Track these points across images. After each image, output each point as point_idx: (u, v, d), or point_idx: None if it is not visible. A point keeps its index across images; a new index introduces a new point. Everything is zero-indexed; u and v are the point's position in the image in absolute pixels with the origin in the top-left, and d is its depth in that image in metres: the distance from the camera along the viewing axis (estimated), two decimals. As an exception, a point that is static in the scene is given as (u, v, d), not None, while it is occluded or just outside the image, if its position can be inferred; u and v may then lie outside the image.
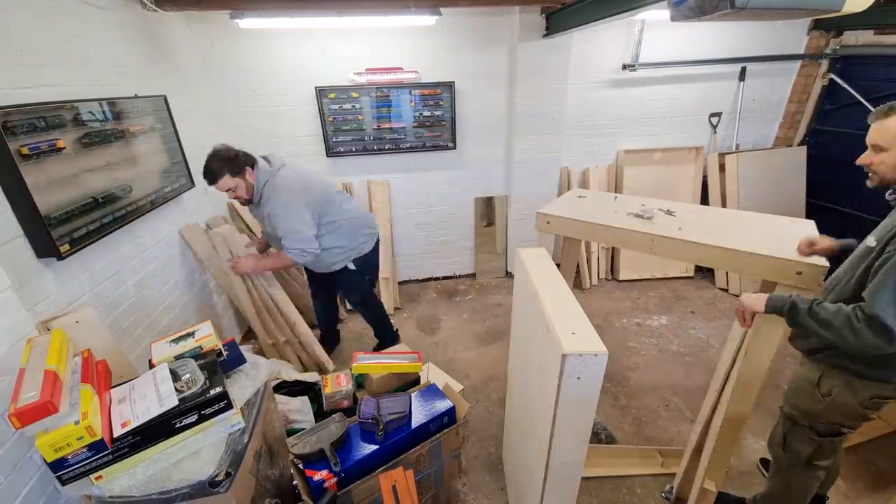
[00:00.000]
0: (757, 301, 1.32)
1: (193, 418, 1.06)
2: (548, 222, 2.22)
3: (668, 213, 2.16)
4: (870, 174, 1.28)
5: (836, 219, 3.51)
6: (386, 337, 2.84)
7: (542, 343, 1.25)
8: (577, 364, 1.06)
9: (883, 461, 2.03)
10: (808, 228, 1.89)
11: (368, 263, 2.55)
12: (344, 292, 2.84)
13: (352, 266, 2.43)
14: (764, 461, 2.03)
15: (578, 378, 1.09)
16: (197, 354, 1.24)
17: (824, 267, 1.49)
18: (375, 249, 2.57)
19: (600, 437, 2.18)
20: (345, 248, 2.37)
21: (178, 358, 1.22)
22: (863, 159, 1.27)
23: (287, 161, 2.34)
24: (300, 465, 1.48)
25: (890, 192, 1.26)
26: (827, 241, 1.50)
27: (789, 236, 1.75)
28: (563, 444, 1.23)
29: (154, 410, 1.03)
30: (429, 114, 3.23)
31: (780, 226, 1.97)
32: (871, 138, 1.22)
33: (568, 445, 1.24)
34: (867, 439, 2.11)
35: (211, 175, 2.08)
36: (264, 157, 2.24)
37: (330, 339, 3.03)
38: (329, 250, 2.32)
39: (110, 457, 0.98)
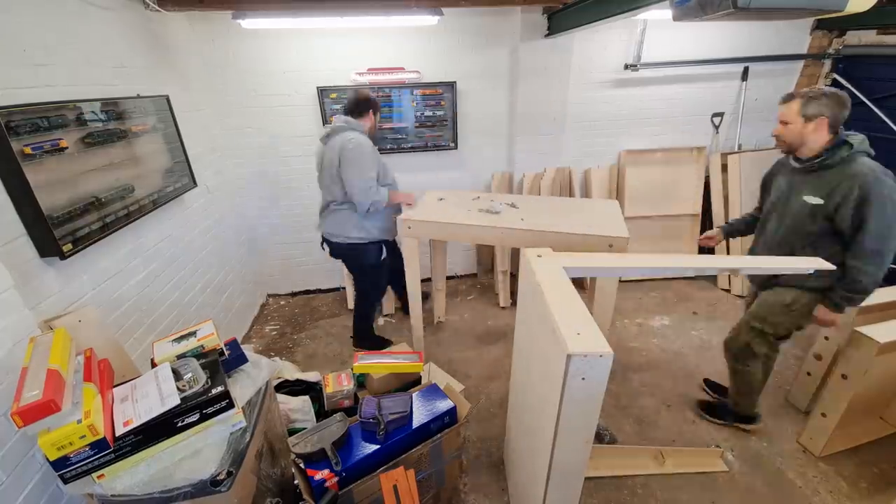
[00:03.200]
0: (835, 318, 1.80)
1: (195, 417, 1.06)
2: (409, 227, 2.33)
3: (512, 205, 2.39)
4: (778, 142, 1.77)
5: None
6: (360, 337, 2.96)
7: (547, 343, 1.25)
8: (582, 365, 1.06)
9: (885, 463, 2.02)
10: (613, 207, 2.37)
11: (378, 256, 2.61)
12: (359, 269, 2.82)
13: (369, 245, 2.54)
14: (707, 381, 2.52)
15: (583, 379, 1.08)
16: (199, 354, 1.24)
17: (626, 237, 1.96)
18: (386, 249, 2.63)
19: (602, 437, 2.18)
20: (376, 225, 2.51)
21: (179, 357, 1.23)
22: (775, 130, 1.75)
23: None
24: (301, 465, 1.48)
25: (811, 158, 1.70)
26: (716, 232, 2.17)
27: (602, 215, 2.26)
28: (566, 444, 1.23)
29: (156, 409, 1.03)
30: (430, 114, 3.23)
31: (595, 208, 2.45)
32: (780, 116, 1.71)
33: (571, 446, 1.23)
34: (869, 441, 2.10)
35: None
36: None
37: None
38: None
39: (112, 455, 0.99)
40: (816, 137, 1.65)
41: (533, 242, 2.09)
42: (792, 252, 1.79)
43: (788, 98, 1.68)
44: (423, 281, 2.63)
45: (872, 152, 1.64)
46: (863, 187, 1.56)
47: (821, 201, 1.65)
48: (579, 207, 2.51)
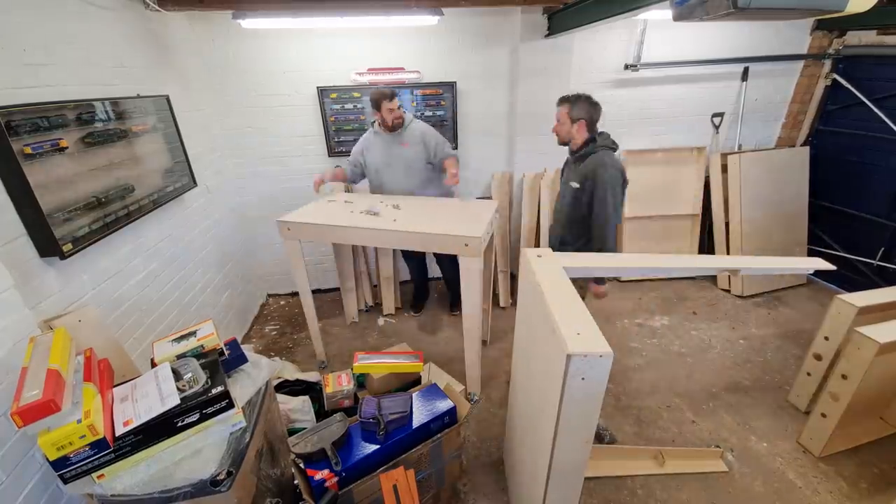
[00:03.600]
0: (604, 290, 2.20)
1: (195, 417, 1.06)
2: (288, 229, 2.38)
3: (396, 207, 2.52)
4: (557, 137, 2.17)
5: (840, 219, 3.50)
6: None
7: (547, 343, 1.25)
8: (581, 365, 1.06)
9: (885, 463, 2.02)
10: (487, 208, 2.47)
11: None
12: None
13: None
14: None
15: (583, 379, 1.08)
16: (199, 353, 1.24)
17: (478, 237, 2.06)
18: None
19: (602, 437, 2.18)
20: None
21: (179, 357, 1.22)
22: (554, 127, 2.17)
23: None
24: (301, 465, 1.48)
25: (575, 152, 2.15)
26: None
27: (469, 216, 2.34)
28: (566, 444, 1.23)
29: (156, 409, 1.03)
30: (430, 114, 3.23)
31: (469, 209, 2.49)
32: (557, 115, 2.13)
33: (571, 446, 1.23)
34: (870, 441, 2.10)
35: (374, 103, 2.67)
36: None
37: (421, 295, 3.52)
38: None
39: (112, 455, 0.99)
40: (579, 135, 2.08)
41: (398, 242, 2.29)
42: (572, 229, 2.17)
43: (562, 101, 2.10)
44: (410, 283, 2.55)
45: (615, 146, 2.08)
46: (595, 173, 1.99)
47: (578, 185, 2.06)
48: (454, 208, 2.57)
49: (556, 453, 1.24)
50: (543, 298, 1.29)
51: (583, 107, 2.05)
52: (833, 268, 1.62)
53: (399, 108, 2.68)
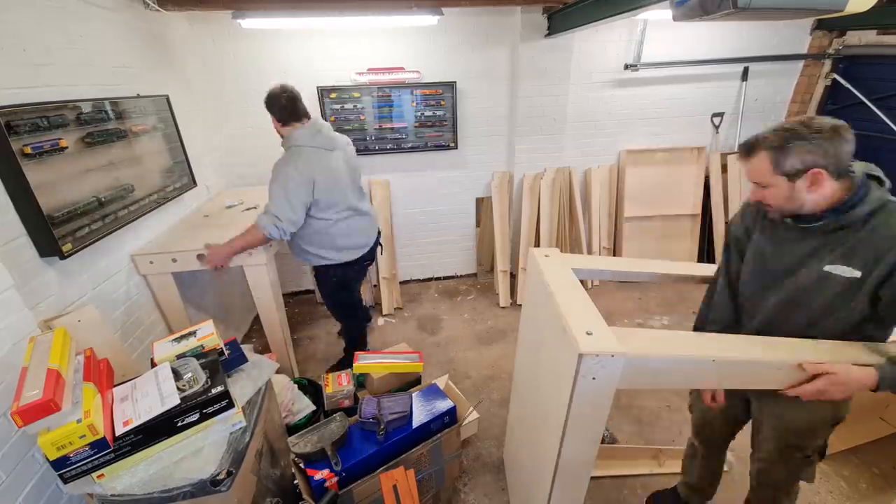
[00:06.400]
0: (858, 378, 1.02)
1: (195, 417, 1.06)
2: (151, 262, 2.02)
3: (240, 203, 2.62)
4: (769, 210, 1.20)
5: (839, 219, 3.50)
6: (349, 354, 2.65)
7: (556, 343, 1.24)
8: (593, 365, 1.05)
9: (885, 463, 2.02)
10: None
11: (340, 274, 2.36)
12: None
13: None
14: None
15: (594, 378, 1.08)
16: (198, 353, 1.24)
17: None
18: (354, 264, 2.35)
19: (603, 437, 2.18)
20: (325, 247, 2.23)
21: (179, 357, 1.22)
22: (753, 196, 1.19)
23: (339, 146, 2.13)
24: (301, 465, 1.48)
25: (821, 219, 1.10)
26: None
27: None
28: (573, 444, 1.22)
29: (156, 409, 1.03)
30: (430, 114, 3.23)
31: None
32: (749, 177, 1.18)
33: (578, 446, 1.23)
34: (869, 441, 2.10)
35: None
36: (318, 129, 2.05)
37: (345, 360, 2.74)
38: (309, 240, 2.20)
39: (112, 455, 0.99)
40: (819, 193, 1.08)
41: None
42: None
43: (749, 150, 1.15)
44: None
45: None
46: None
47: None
48: None
49: (563, 453, 1.24)
50: (553, 298, 1.29)
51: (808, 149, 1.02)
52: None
53: (275, 120, 2.04)
